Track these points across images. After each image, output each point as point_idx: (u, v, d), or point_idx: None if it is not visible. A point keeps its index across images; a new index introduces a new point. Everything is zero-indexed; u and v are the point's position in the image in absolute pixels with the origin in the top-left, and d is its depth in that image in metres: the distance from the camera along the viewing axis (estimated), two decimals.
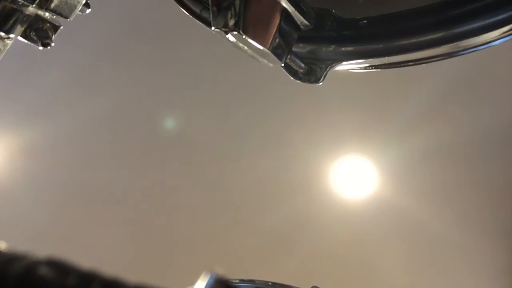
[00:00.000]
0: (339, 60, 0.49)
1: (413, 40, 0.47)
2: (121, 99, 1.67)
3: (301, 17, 0.44)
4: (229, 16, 0.42)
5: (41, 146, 1.69)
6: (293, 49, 0.47)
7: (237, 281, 0.64)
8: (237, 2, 0.41)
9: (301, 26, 0.46)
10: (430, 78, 1.58)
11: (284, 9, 0.43)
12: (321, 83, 0.49)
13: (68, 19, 0.42)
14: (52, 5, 0.40)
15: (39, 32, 0.40)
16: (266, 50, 0.43)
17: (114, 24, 1.59)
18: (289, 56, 0.46)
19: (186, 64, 1.64)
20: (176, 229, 1.75)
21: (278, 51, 0.44)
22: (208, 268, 0.20)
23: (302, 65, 0.49)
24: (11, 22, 0.39)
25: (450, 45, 0.46)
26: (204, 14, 0.49)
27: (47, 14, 0.41)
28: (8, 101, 1.66)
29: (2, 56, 0.40)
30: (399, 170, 1.72)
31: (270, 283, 0.65)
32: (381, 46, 0.48)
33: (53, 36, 0.41)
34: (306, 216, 1.74)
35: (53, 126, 1.67)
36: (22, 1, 0.38)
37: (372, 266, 1.74)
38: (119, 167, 1.74)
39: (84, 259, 0.23)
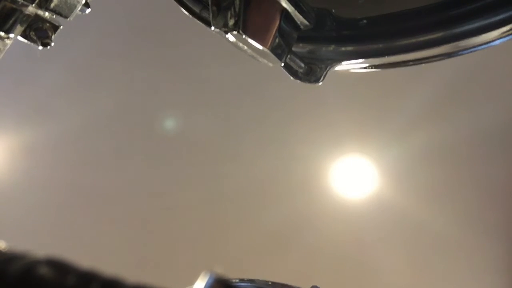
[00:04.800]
0: (339, 60, 0.49)
1: (413, 40, 0.47)
2: (120, 99, 1.68)
3: (301, 17, 0.44)
4: (229, 16, 0.42)
5: (42, 145, 1.69)
6: (293, 49, 0.47)
7: (237, 280, 0.64)
8: (237, 2, 0.41)
9: (301, 26, 0.46)
10: (430, 78, 1.58)
11: (284, 9, 0.43)
12: (320, 83, 0.49)
13: (68, 19, 0.42)
14: (52, 5, 0.40)
15: (39, 31, 0.41)
16: (266, 50, 0.43)
17: (114, 24, 1.59)
18: (289, 56, 0.46)
19: (186, 64, 1.64)
20: (176, 229, 1.75)
21: (278, 51, 0.44)
22: (207, 267, 0.20)
23: (302, 65, 0.49)
24: (10, 21, 0.39)
25: (450, 45, 0.46)
26: (204, 14, 0.49)
27: (47, 13, 0.41)
28: (8, 101, 1.66)
29: (1, 56, 0.40)
30: (399, 170, 1.72)
31: (270, 283, 0.65)
32: (381, 46, 0.48)
33: (52, 36, 0.41)
34: (306, 216, 1.74)
35: (53, 126, 1.68)
36: (22, 1, 0.38)
37: (372, 266, 1.74)
38: (119, 166, 1.74)
39: (84, 259, 0.23)
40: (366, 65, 0.50)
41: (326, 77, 0.49)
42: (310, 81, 0.49)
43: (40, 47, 0.41)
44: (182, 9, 0.50)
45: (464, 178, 1.71)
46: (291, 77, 0.49)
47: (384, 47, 0.48)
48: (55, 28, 0.41)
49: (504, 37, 0.44)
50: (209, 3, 0.43)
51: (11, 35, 0.40)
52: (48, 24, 0.41)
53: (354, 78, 1.56)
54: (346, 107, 1.66)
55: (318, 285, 0.63)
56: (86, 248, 1.67)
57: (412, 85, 1.61)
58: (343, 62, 0.50)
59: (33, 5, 0.39)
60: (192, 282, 0.20)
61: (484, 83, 1.62)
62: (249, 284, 0.65)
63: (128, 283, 0.17)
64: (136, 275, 0.18)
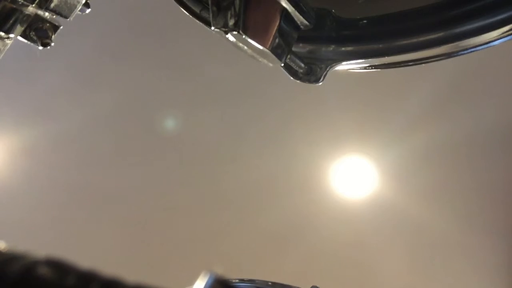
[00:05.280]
0: (339, 60, 0.49)
1: (413, 40, 0.47)
2: (120, 99, 1.67)
3: (301, 17, 0.44)
4: (229, 16, 0.42)
5: (42, 145, 1.69)
6: (293, 49, 0.47)
7: (237, 281, 0.64)
8: (237, 2, 0.41)
9: (301, 26, 0.46)
10: (430, 77, 1.58)
11: (284, 9, 0.43)
12: (320, 83, 0.49)
13: (68, 19, 0.42)
14: (52, 5, 0.40)
15: (39, 32, 0.41)
16: (266, 50, 0.43)
17: (114, 24, 1.59)
18: (289, 56, 0.46)
19: (186, 64, 1.64)
20: (176, 229, 1.75)
21: (278, 51, 0.44)
22: (207, 267, 0.20)
23: (302, 65, 0.49)
24: (11, 21, 0.39)
25: (450, 45, 0.46)
26: (204, 14, 0.49)
27: (47, 14, 0.41)
28: (8, 101, 1.66)
29: (1, 56, 0.40)
30: (399, 170, 1.72)
31: (270, 283, 0.65)
32: (381, 46, 0.48)
33: (52, 36, 0.41)
34: (306, 216, 1.74)
35: (53, 126, 1.68)
36: (22, 1, 0.38)
37: (372, 266, 1.74)
38: (119, 166, 1.74)
39: (84, 258, 0.23)
40: (366, 65, 0.50)
41: (326, 77, 0.49)
42: (310, 81, 0.49)
43: (40, 47, 0.41)
44: (182, 9, 0.50)
45: (464, 178, 1.71)
46: (291, 78, 0.49)
47: (384, 47, 0.48)
48: (55, 28, 0.41)
49: (504, 37, 0.44)
50: (209, 3, 0.43)
51: (11, 35, 0.40)
52: (48, 24, 0.41)
53: (354, 78, 1.56)
54: (346, 107, 1.66)
55: (318, 285, 0.63)
56: (86, 248, 1.67)
57: (412, 85, 1.61)
58: (343, 62, 0.50)
59: (33, 5, 0.39)
60: (192, 282, 0.20)
61: (484, 83, 1.62)
62: (249, 284, 0.65)
63: (128, 283, 0.17)
64: (136, 275, 0.18)
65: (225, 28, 0.42)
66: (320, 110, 1.67)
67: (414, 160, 1.70)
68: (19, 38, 0.41)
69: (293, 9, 0.43)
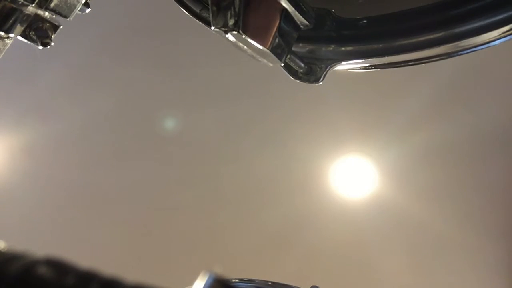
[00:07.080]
0: (339, 60, 0.49)
1: (413, 40, 0.47)
2: (120, 99, 1.68)
3: (301, 17, 0.44)
4: (228, 15, 0.42)
5: (42, 145, 1.69)
6: (293, 48, 0.47)
7: (237, 280, 0.64)
8: (237, 2, 0.41)
9: (301, 26, 0.46)
10: (430, 77, 1.58)
11: (284, 9, 0.43)
12: (320, 83, 0.49)
13: (68, 19, 0.42)
14: (52, 5, 0.40)
15: (39, 31, 0.40)
16: (265, 49, 0.43)
17: (114, 24, 1.59)
18: (288, 56, 0.46)
19: (186, 63, 1.64)
20: (176, 229, 1.75)
21: (278, 51, 0.44)
22: (207, 267, 0.20)
23: (302, 64, 0.49)
24: (10, 21, 0.39)
25: (450, 45, 0.46)
26: (204, 14, 0.49)
27: (46, 13, 0.41)
28: (8, 101, 1.66)
29: (1, 55, 0.40)
30: (399, 170, 1.72)
31: (270, 283, 0.65)
32: (381, 46, 0.48)
33: (52, 36, 0.41)
34: (306, 216, 1.74)
35: (53, 126, 1.68)
36: (22, 1, 0.38)
37: (372, 266, 1.74)
38: (119, 166, 1.74)
39: (84, 258, 0.23)
40: (366, 65, 0.50)
41: (326, 77, 0.49)
42: (310, 81, 0.49)
43: (40, 47, 0.41)
44: (182, 9, 0.50)
45: (464, 178, 1.71)
46: (291, 77, 0.49)
47: (384, 47, 0.48)
48: (55, 28, 0.41)
49: (504, 37, 0.44)
50: (209, 3, 0.43)
51: (11, 35, 0.40)
52: (48, 24, 0.41)
53: (354, 78, 1.56)
54: (346, 106, 1.66)
55: (318, 285, 0.63)
56: (86, 247, 1.67)
57: (412, 85, 1.61)
58: (343, 62, 0.50)
59: (33, 5, 0.39)
60: (192, 282, 0.20)
61: (484, 83, 1.62)
62: (249, 284, 0.65)
63: (128, 283, 0.17)
64: (136, 275, 0.18)
65: (225, 28, 0.42)
66: (320, 110, 1.67)
67: (414, 160, 1.70)
68: (19, 38, 0.41)
69: (293, 9, 0.43)
